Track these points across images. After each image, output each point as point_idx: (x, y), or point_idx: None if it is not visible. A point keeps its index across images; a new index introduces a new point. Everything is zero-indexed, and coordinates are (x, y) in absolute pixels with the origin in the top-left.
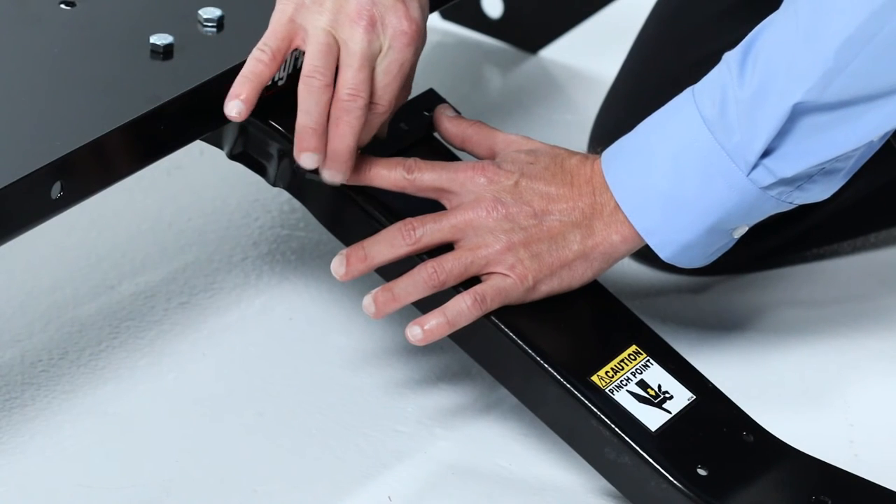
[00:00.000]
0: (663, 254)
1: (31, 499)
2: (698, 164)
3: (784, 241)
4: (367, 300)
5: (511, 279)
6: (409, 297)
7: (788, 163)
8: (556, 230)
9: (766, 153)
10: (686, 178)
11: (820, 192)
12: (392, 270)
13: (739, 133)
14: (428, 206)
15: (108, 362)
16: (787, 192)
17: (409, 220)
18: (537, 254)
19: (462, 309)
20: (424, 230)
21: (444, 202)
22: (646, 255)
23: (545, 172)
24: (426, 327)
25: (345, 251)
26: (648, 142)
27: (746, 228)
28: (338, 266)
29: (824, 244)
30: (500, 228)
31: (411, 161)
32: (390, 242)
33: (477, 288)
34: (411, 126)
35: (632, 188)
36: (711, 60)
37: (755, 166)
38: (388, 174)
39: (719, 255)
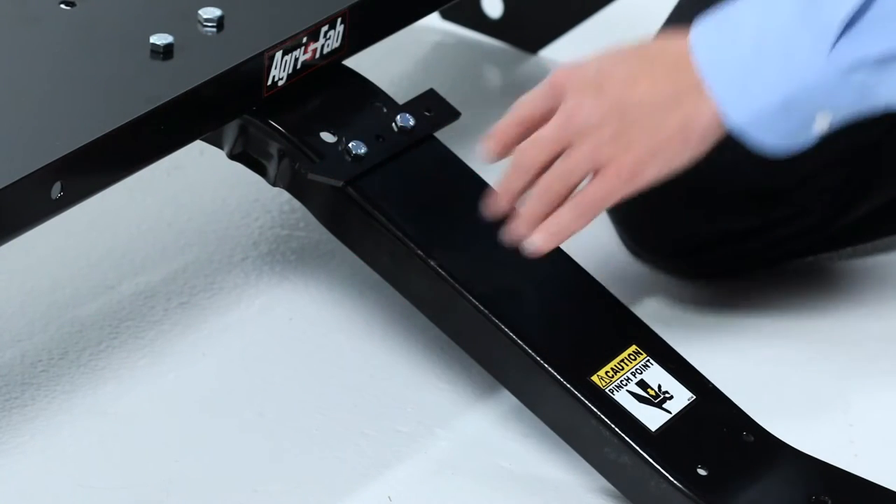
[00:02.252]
0: (736, 117)
1: (31, 499)
2: (780, 37)
3: (790, 250)
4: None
5: (607, 177)
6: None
7: (874, 36)
8: (646, 114)
9: (850, 24)
10: (767, 48)
11: None
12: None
13: (826, 2)
14: (428, 197)
15: (108, 362)
16: (870, 80)
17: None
18: (629, 143)
19: (565, 222)
20: (528, 154)
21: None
22: (644, 256)
23: (627, 56)
24: (539, 240)
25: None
26: (738, 11)
27: (828, 124)
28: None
29: (824, 252)
30: (588, 125)
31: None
32: (517, 176)
33: (578, 199)
34: (412, 126)
35: (713, 53)
36: None
37: (838, 39)
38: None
39: (796, 147)
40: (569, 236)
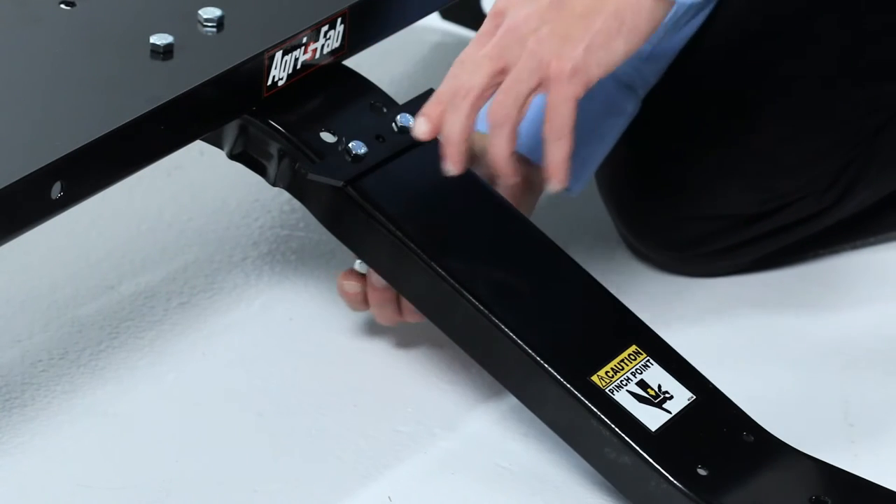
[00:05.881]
0: None
1: (31, 499)
2: None
3: (784, 245)
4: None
5: (553, 80)
6: (500, 147)
7: None
8: (579, 7)
9: None
10: None
11: None
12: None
13: None
14: (428, 197)
15: (108, 362)
16: None
17: (456, 71)
18: (567, 36)
19: (550, 147)
20: (466, 76)
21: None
22: (644, 249)
23: None
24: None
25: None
26: None
27: None
28: (448, 166)
29: (824, 247)
30: (527, 31)
31: (456, 87)
32: (453, 110)
33: (547, 121)
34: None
35: None
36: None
37: None
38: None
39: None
40: (568, 158)
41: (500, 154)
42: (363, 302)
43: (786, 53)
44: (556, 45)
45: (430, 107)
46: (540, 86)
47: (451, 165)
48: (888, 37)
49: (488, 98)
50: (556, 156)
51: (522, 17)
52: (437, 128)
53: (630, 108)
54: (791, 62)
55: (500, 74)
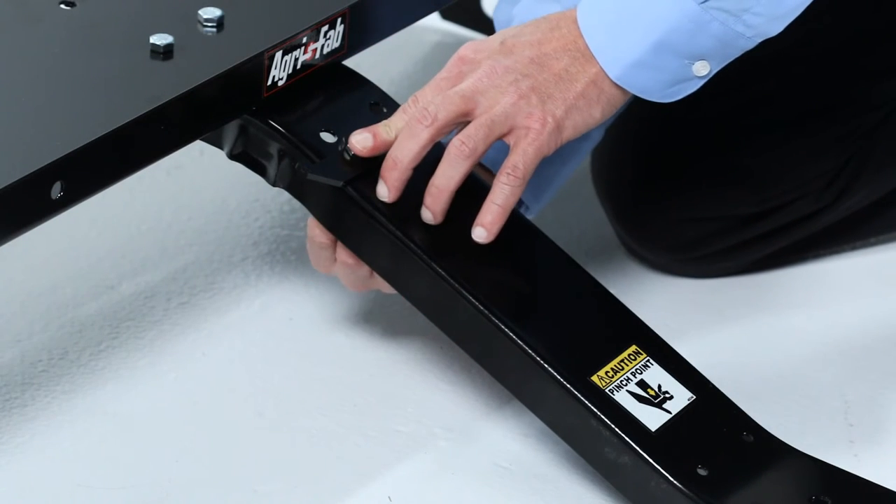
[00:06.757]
0: (613, 72)
1: (31, 499)
2: None
3: (783, 246)
4: (425, 213)
5: (533, 129)
6: (452, 180)
7: None
8: (558, 67)
9: None
10: (632, 3)
11: (767, 24)
12: (397, 272)
13: None
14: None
15: (108, 362)
16: (729, 16)
17: (417, 105)
18: (548, 94)
19: (506, 190)
20: (435, 105)
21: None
22: (642, 252)
23: (526, 26)
24: (487, 222)
25: (381, 172)
26: None
27: (709, 67)
28: (381, 190)
29: (824, 248)
30: (505, 82)
31: (422, 110)
32: (410, 134)
33: (506, 163)
34: None
35: (590, 17)
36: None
37: None
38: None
39: (682, 93)
40: (511, 208)
41: (446, 186)
42: (333, 248)
43: (781, 54)
44: (537, 99)
45: (379, 127)
46: (507, 134)
47: (389, 192)
48: (883, 36)
49: (446, 135)
50: (506, 201)
51: (501, 67)
52: (379, 148)
53: (595, 133)
54: (787, 62)
55: (465, 116)
